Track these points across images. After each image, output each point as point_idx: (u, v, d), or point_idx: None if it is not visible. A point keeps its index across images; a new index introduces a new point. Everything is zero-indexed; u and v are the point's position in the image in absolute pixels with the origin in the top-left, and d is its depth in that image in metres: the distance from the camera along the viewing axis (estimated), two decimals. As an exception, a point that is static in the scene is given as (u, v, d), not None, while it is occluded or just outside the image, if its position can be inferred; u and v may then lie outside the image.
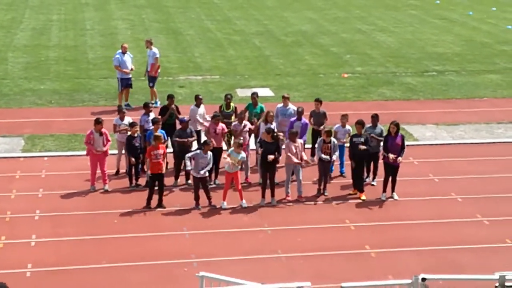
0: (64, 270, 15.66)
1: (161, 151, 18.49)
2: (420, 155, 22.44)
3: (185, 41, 37.49)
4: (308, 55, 34.84)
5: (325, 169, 19.44)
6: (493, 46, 37.68)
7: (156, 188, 18.61)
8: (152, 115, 20.46)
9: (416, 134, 24.38)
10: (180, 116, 20.98)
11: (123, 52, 26.37)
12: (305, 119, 20.56)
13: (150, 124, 19.92)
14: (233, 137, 20.28)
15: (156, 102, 26.20)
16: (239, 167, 18.88)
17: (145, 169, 19.23)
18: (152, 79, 26.67)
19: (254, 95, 21.49)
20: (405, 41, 38.37)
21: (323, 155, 19.17)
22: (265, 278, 15.05)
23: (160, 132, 19.33)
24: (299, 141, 19.12)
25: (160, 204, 18.63)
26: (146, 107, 20.71)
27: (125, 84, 26.36)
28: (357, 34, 39.76)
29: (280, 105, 21.38)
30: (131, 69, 26.37)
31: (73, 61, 32.84)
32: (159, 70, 27.00)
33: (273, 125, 20.15)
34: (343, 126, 20.36)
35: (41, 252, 16.42)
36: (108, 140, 19.48)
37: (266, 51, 35.55)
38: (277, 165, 19.27)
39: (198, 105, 21.10)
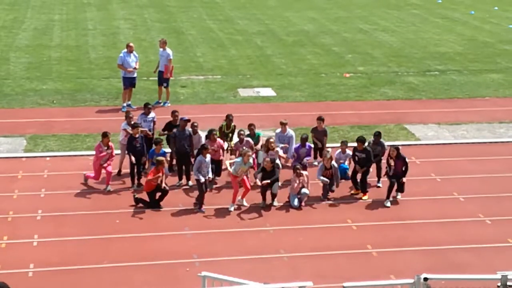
0: (66, 270, 15.68)
1: (160, 174, 18.47)
2: (422, 155, 22.43)
3: (187, 40, 37.50)
4: (310, 54, 34.84)
5: (326, 189, 19.41)
6: (495, 45, 37.65)
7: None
8: (151, 115, 20.55)
9: (418, 133, 24.37)
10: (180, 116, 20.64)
11: (129, 52, 26.37)
12: (309, 144, 20.59)
13: (148, 124, 20.09)
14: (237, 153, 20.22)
15: (165, 103, 26.22)
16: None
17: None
18: (165, 80, 26.66)
19: (252, 126, 20.87)
20: (407, 40, 38.36)
21: (322, 178, 19.13)
22: (267, 277, 15.06)
23: (161, 152, 19.35)
24: (305, 173, 19.08)
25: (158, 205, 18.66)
26: (146, 107, 20.80)
27: (129, 83, 26.37)
28: (359, 34, 39.75)
29: (279, 130, 21.14)
30: (134, 68, 26.35)
31: (75, 61, 32.85)
32: (173, 71, 27.08)
33: (279, 150, 20.11)
34: (343, 152, 20.36)
35: (43, 252, 16.44)
36: (112, 156, 19.48)
37: (268, 50, 35.55)
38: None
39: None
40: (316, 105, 21.98)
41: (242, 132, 20.28)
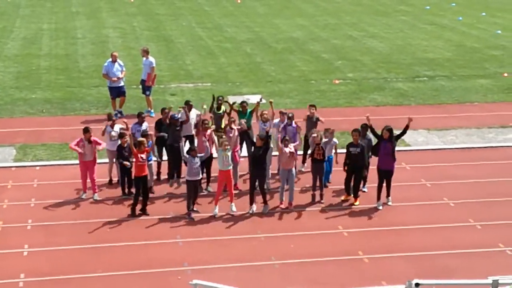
0: (57, 280, 15.63)
1: (145, 155, 18.51)
2: (412, 160, 22.49)
3: (176, 48, 37.52)
4: (299, 61, 34.91)
5: (318, 171, 19.39)
6: (483, 51, 37.83)
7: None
8: (145, 125, 20.43)
9: (408, 139, 24.43)
10: (172, 113, 20.56)
11: (113, 61, 26.31)
12: (295, 124, 20.48)
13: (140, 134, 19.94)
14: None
15: (151, 112, 26.15)
16: (231, 165, 18.80)
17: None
18: (148, 88, 26.61)
19: (244, 104, 21.44)
20: (396, 46, 38.49)
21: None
22: (258, 285, 15.07)
23: (149, 144, 19.38)
24: (291, 145, 19.15)
25: (143, 210, 18.62)
26: (139, 117, 20.66)
27: (115, 92, 26.30)
28: (348, 40, 39.86)
29: (277, 120, 20.83)
30: (118, 78, 26.21)
31: (64, 70, 32.82)
32: (155, 80, 26.99)
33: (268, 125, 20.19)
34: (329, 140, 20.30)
35: (33, 261, 16.38)
36: (99, 143, 19.46)
37: (257, 58, 35.60)
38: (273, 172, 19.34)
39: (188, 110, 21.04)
40: (306, 111, 22.04)
41: (233, 120, 20.33)
